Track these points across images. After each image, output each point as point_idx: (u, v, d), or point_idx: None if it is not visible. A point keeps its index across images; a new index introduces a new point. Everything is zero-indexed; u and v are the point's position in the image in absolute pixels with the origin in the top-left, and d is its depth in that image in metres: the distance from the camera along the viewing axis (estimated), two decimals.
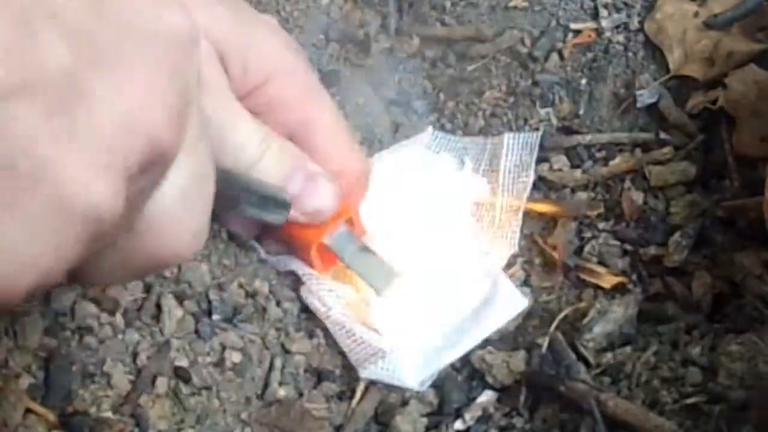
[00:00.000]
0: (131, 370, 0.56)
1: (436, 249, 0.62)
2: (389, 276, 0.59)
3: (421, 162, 0.65)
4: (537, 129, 0.71)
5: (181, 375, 0.57)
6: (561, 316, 0.60)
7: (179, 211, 0.35)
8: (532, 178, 0.65)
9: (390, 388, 0.59)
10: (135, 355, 0.57)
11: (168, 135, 0.31)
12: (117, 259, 0.35)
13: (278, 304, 0.62)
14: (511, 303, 0.60)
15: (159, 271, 0.57)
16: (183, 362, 0.57)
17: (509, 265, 0.64)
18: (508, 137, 0.67)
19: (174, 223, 0.35)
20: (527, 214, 0.65)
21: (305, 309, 0.62)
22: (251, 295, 0.61)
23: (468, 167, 0.65)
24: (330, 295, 0.61)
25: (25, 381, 0.54)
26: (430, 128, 0.70)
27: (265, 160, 0.55)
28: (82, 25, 0.29)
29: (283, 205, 0.54)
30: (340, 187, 0.58)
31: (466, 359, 0.59)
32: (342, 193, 0.58)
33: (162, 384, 0.56)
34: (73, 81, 0.29)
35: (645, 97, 0.70)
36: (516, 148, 0.67)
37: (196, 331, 0.59)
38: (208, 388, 0.57)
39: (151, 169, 0.32)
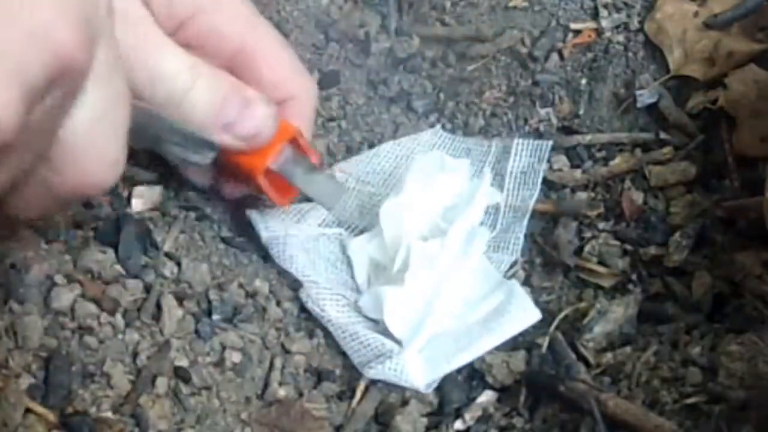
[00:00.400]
0: (131, 370, 0.56)
1: (448, 253, 0.62)
2: (338, 192, 0.60)
3: (441, 166, 0.65)
4: (537, 129, 0.71)
5: (181, 375, 0.57)
6: (561, 316, 0.60)
7: (93, 139, 0.36)
8: (539, 186, 0.65)
9: (390, 388, 0.59)
10: (135, 355, 0.57)
11: (74, 52, 0.32)
12: (39, 189, 0.36)
13: (278, 304, 0.62)
14: (524, 314, 0.60)
15: (82, 200, 0.57)
16: (183, 362, 0.57)
17: (510, 266, 0.64)
18: (517, 143, 0.67)
19: (89, 151, 0.36)
20: None
21: (305, 309, 0.62)
22: (251, 295, 0.61)
23: (487, 176, 0.65)
24: (330, 302, 0.61)
25: (25, 381, 0.54)
26: (438, 126, 0.70)
27: (197, 88, 0.54)
28: None
29: (208, 144, 0.54)
30: (288, 113, 0.58)
31: None
32: (281, 116, 0.58)
33: (162, 384, 0.56)
34: None
35: (645, 97, 0.70)
36: (524, 156, 0.66)
37: (196, 331, 0.59)
38: (208, 388, 0.57)
39: (58, 86, 0.32)
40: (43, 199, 0.37)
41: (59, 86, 0.33)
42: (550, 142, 0.67)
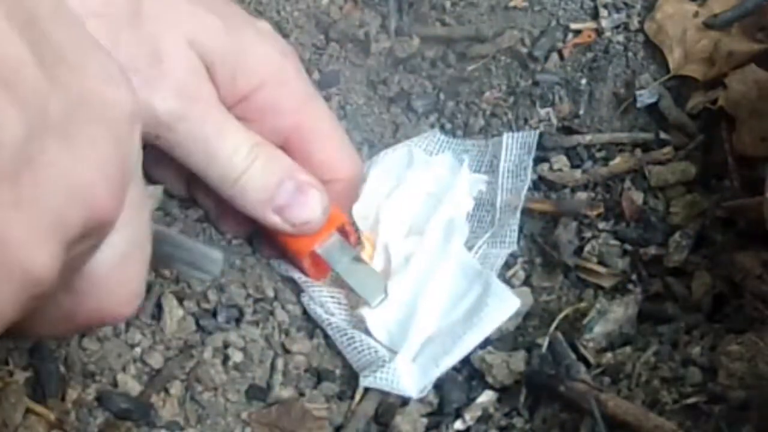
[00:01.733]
0: (132, 369, 0.56)
1: (427, 250, 0.61)
2: (380, 287, 0.59)
3: (419, 162, 0.65)
4: (537, 129, 0.71)
5: (181, 375, 0.57)
6: (561, 316, 0.60)
7: (117, 274, 0.36)
8: (530, 177, 0.65)
9: None
10: (135, 355, 0.57)
11: (108, 206, 0.33)
12: (57, 316, 0.36)
13: (281, 304, 0.62)
14: (503, 304, 0.59)
15: (99, 327, 0.57)
16: (183, 363, 0.57)
17: (509, 266, 0.64)
18: (506, 137, 0.67)
19: (112, 285, 0.36)
20: (527, 214, 0.65)
21: (307, 311, 0.62)
22: (253, 295, 0.61)
23: (465, 166, 0.65)
24: (332, 301, 0.61)
25: (25, 381, 0.54)
26: (436, 130, 0.70)
27: (253, 169, 0.55)
28: (35, 94, 0.30)
29: (216, 261, 0.55)
30: (332, 195, 0.58)
31: (466, 359, 0.59)
32: (333, 203, 0.58)
33: (163, 384, 0.56)
34: (22, 150, 0.29)
35: (645, 97, 0.70)
36: (515, 148, 0.66)
37: (197, 331, 0.59)
38: (209, 388, 0.57)
39: (89, 236, 0.33)
40: (59, 324, 0.38)
41: (91, 235, 0.33)
42: (537, 132, 0.67)
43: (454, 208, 0.64)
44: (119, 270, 0.36)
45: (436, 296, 0.60)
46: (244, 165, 0.55)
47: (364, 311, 0.60)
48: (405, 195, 0.64)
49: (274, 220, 0.56)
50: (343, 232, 0.60)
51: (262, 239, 0.62)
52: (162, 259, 0.52)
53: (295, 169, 0.57)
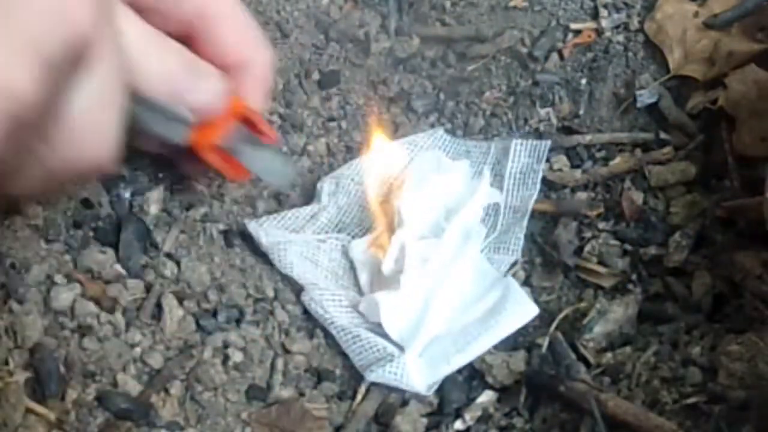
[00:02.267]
0: (132, 369, 0.56)
1: (446, 253, 0.62)
2: (287, 170, 0.59)
3: (438, 167, 0.65)
4: (537, 129, 0.71)
5: (181, 375, 0.57)
6: (561, 316, 0.61)
7: (95, 118, 0.36)
8: (538, 186, 0.65)
9: (390, 388, 0.59)
10: (135, 355, 0.57)
11: (84, 18, 0.33)
12: (38, 167, 0.37)
13: (281, 304, 0.62)
14: (521, 311, 0.60)
15: (80, 182, 0.56)
16: (184, 363, 0.57)
17: (510, 266, 0.64)
18: (515, 143, 0.67)
19: (90, 131, 0.36)
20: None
21: (307, 310, 0.62)
22: (253, 295, 0.61)
23: (486, 177, 0.65)
24: (333, 304, 0.61)
25: (25, 381, 0.54)
26: (440, 128, 0.70)
27: (149, 56, 0.54)
28: None
29: (183, 120, 0.53)
30: (244, 81, 0.57)
31: None
32: (243, 89, 0.57)
33: (163, 384, 0.56)
34: None
35: (645, 97, 0.70)
36: (523, 156, 0.66)
37: (197, 331, 0.59)
38: (209, 388, 0.57)
39: (71, 64, 0.33)
40: (41, 176, 0.38)
41: (72, 63, 0.33)
42: (549, 142, 0.67)
43: (470, 216, 0.64)
44: (93, 113, 0.36)
45: (450, 296, 0.61)
46: (138, 54, 0.54)
47: (380, 296, 0.60)
48: (424, 198, 0.64)
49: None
50: (247, 121, 0.58)
51: (181, 156, 0.60)
52: (129, 119, 0.50)
53: (189, 56, 0.55)
